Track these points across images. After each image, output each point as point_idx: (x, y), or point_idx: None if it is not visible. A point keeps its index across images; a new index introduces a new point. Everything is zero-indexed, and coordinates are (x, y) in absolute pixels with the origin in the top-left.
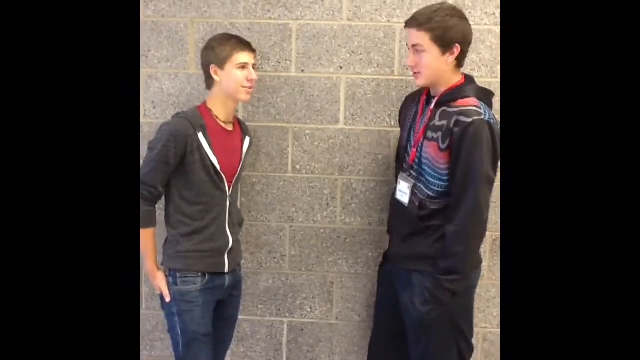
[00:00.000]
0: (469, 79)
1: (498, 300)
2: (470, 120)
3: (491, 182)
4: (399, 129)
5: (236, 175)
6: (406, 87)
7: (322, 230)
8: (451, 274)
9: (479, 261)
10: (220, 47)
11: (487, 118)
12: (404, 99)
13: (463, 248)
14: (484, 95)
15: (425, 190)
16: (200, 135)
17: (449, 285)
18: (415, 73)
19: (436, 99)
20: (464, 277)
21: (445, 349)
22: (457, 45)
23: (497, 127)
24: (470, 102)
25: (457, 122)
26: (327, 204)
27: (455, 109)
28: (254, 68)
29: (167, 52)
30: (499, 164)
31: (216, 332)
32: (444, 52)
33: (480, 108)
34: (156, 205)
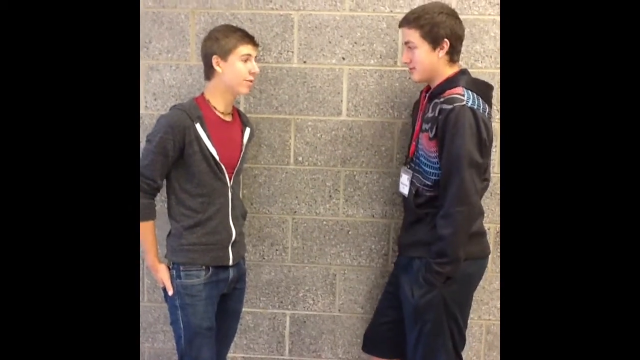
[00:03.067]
0: (462, 72)
1: None
2: (450, 107)
3: (477, 166)
4: (402, 121)
5: (237, 166)
6: (409, 79)
7: (324, 223)
8: (440, 257)
9: (482, 252)
10: (225, 39)
11: (469, 104)
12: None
13: (450, 231)
14: (475, 86)
15: (423, 180)
16: (198, 126)
17: (439, 268)
18: (410, 69)
19: (430, 92)
20: (453, 260)
21: (439, 334)
22: (445, 40)
23: (484, 114)
24: (455, 91)
25: (440, 111)
26: (330, 196)
27: (441, 99)
28: (255, 61)
29: (167, 43)
30: (489, 149)
31: (219, 325)
32: (434, 48)
33: (463, 95)
34: (156, 198)
